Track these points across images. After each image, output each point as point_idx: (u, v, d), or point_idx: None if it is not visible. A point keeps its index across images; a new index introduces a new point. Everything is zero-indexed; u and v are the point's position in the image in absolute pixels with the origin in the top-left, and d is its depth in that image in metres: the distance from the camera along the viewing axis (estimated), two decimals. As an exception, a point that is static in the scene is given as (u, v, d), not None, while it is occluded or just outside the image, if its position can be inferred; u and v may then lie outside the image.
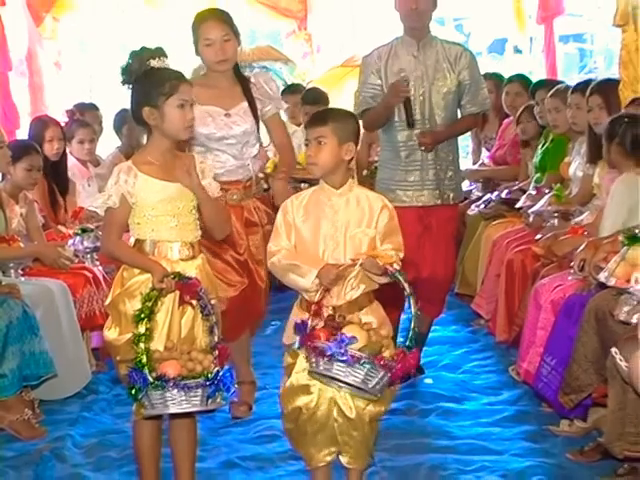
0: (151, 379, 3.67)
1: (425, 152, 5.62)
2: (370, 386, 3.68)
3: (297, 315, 4.04)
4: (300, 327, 3.75)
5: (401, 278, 3.77)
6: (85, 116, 8.11)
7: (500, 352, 6.54)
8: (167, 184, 3.96)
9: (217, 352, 3.82)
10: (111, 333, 3.97)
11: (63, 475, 4.84)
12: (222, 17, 5.27)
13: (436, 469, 4.67)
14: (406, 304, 3.84)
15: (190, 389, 3.67)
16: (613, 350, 4.24)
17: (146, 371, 3.68)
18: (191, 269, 3.97)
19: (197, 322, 3.97)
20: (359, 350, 3.68)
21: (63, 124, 7.36)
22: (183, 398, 3.68)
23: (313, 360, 3.72)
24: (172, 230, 3.98)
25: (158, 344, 3.88)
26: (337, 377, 3.67)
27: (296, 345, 3.85)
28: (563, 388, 4.92)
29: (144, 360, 3.69)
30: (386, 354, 3.74)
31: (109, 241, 4.13)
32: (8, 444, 5.27)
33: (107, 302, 4.16)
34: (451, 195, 5.82)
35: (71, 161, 7.44)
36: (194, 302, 3.91)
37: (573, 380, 4.84)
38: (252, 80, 5.36)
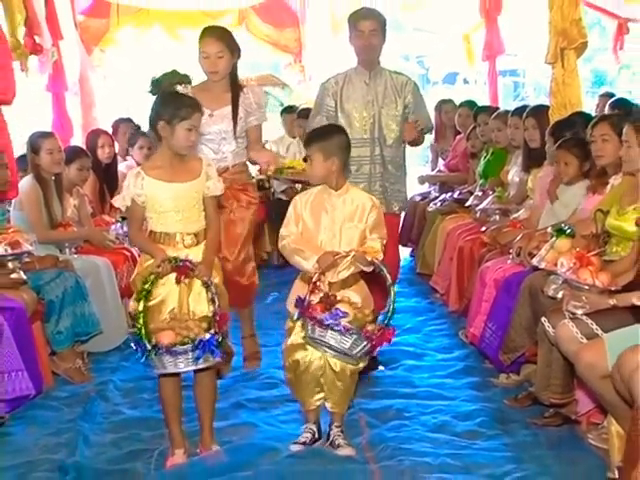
0: (149, 347, 3.69)
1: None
2: (354, 352, 3.75)
3: (299, 286, 4.08)
4: (299, 302, 3.76)
5: (384, 270, 3.78)
6: (120, 127, 8.10)
7: (452, 319, 6.54)
8: (172, 185, 3.90)
9: (217, 318, 3.76)
10: (133, 304, 3.91)
11: (106, 411, 4.86)
12: (219, 35, 5.02)
13: (402, 411, 4.67)
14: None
15: (179, 354, 3.68)
16: (543, 319, 4.27)
17: (145, 341, 3.70)
18: (195, 254, 3.92)
19: (203, 294, 3.90)
20: (349, 323, 3.72)
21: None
22: (178, 360, 3.69)
23: (310, 328, 3.74)
24: (177, 223, 3.92)
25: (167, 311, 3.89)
26: (329, 343, 3.70)
27: (295, 316, 3.86)
28: (502, 348, 4.95)
29: (143, 333, 3.70)
30: (369, 328, 3.76)
31: (130, 231, 4.21)
32: (63, 387, 5.28)
33: (131, 279, 4.18)
34: (397, 205, 5.48)
35: (131, 163, 7.43)
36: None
37: (510, 342, 4.87)
38: (244, 90, 5.16)
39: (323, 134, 4.16)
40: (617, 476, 3.52)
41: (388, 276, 3.79)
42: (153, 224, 3.94)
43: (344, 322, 3.70)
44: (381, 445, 4.18)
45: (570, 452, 4.04)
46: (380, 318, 3.84)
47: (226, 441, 4.24)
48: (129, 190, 3.91)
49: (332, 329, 3.68)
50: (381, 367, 5.39)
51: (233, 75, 5.13)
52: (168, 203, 3.90)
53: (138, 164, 7.47)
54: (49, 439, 4.43)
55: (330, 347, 3.75)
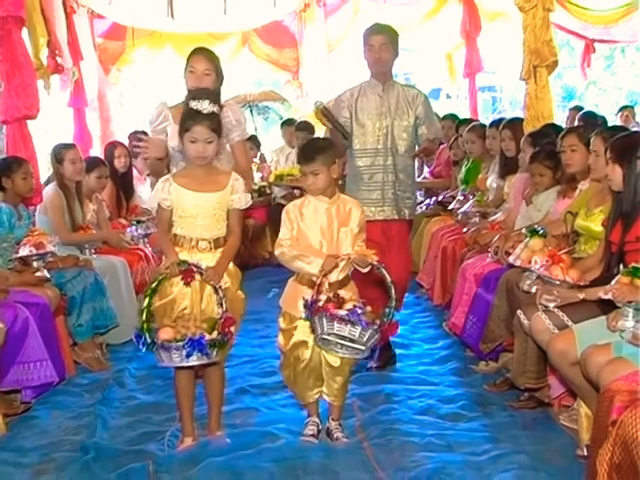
0: (149, 341, 3.62)
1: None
2: (368, 345, 3.62)
3: (295, 288, 3.95)
4: (308, 304, 3.63)
5: (384, 271, 3.69)
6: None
7: (436, 312, 6.52)
8: (195, 194, 3.81)
9: (222, 320, 3.67)
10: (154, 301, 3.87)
11: (122, 397, 4.86)
12: (209, 55, 4.64)
13: (391, 395, 4.68)
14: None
15: (173, 349, 3.59)
16: (518, 312, 4.26)
17: (146, 335, 3.63)
18: (208, 259, 3.82)
19: (213, 297, 3.81)
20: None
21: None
22: (173, 355, 3.60)
23: (326, 325, 3.58)
24: (196, 228, 3.84)
25: (179, 310, 3.82)
26: (348, 337, 3.56)
27: (304, 316, 3.72)
28: (482, 338, 4.94)
29: (145, 327, 3.63)
30: (378, 321, 3.65)
31: (157, 232, 4.11)
32: (83, 374, 5.29)
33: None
34: (407, 212, 5.26)
35: (136, 173, 7.42)
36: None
37: (489, 333, 4.87)
38: (223, 109, 4.61)
39: (323, 147, 4.00)
40: (585, 453, 3.52)
41: (387, 275, 3.68)
42: (175, 227, 3.87)
43: (364, 318, 3.59)
44: (372, 426, 4.17)
45: (543, 432, 4.05)
46: (386, 311, 3.72)
47: (231, 424, 4.23)
48: (157, 194, 3.86)
49: (353, 324, 3.56)
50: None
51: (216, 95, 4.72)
52: (190, 209, 3.82)
53: (140, 172, 7.50)
54: (71, 422, 4.44)
55: (344, 344, 3.62)
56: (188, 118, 3.78)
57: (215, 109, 3.82)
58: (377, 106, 5.15)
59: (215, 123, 3.81)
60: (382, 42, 5.09)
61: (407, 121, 5.16)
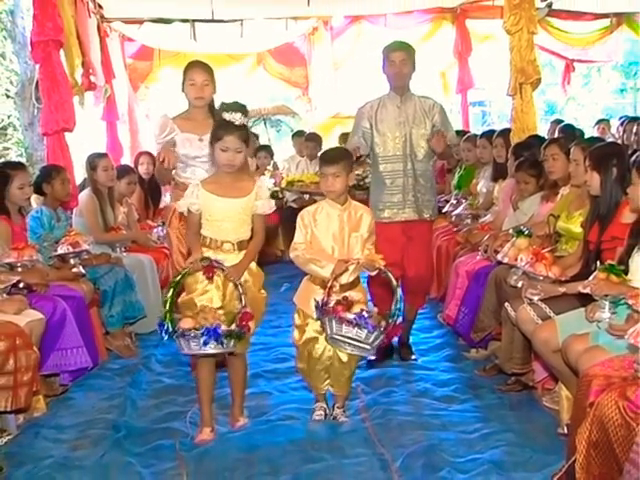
0: (171, 329, 3.54)
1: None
2: (374, 345, 3.57)
3: (308, 287, 3.89)
4: (319, 305, 3.58)
5: (390, 275, 3.64)
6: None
7: (432, 305, 6.43)
8: (222, 199, 3.76)
9: (241, 314, 3.62)
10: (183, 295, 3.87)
11: (150, 380, 4.87)
12: (205, 67, 4.57)
13: (391, 379, 4.68)
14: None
15: (191, 338, 3.52)
16: (506, 304, 4.26)
17: (168, 324, 3.55)
18: (233, 260, 3.76)
19: (235, 293, 3.77)
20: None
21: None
22: (191, 343, 3.53)
23: (335, 326, 3.53)
24: (222, 231, 3.78)
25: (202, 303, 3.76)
26: (355, 338, 3.51)
27: (315, 315, 3.68)
28: (473, 328, 4.93)
29: (168, 317, 3.56)
30: (383, 323, 3.57)
31: (186, 232, 4.06)
32: (114, 360, 5.30)
33: None
34: (428, 213, 5.04)
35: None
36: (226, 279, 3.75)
37: (480, 323, 4.85)
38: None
39: (345, 154, 3.96)
40: (566, 432, 3.51)
41: (393, 279, 3.63)
42: (203, 229, 3.81)
43: (371, 321, 3.53)
44: (374, 407, 4.17)
45: (528, 412, 4.05)
46: (393, 310, 3.64)
47: (247, 405, 4.21)
48: (186, 199, 3.81)
49: (360, 327, 3.49)
50: (413, 356, 5.21)
51: (212, 105, 4.63)
52: (217, 213, 3.76)
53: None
54: (104, 403, 4.45)
55: (351, 343, 3.56)
56: (220, 128, 3.73)
57: (245, 121, 3.76)
58: (395, 116, 4.97)
59: (245, 134, 3.75)
60: (402, 58, 4.95)
61: (424, 129, 4.97)
